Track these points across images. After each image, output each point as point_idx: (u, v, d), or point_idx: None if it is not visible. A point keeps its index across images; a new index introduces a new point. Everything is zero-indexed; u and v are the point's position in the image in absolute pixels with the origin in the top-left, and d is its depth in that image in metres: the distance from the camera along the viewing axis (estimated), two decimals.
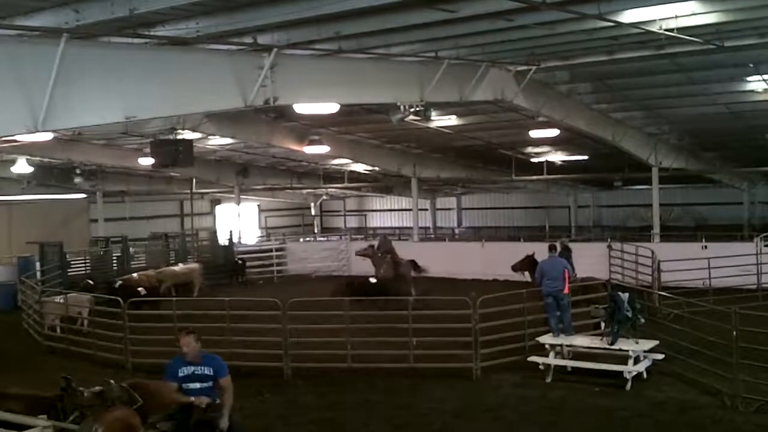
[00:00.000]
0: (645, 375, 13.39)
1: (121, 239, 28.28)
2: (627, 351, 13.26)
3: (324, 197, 47.97)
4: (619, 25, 13.17)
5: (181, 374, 8.40)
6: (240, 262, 29.84)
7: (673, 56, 16.46)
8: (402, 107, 17.40)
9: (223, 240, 32.28)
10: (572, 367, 13.86)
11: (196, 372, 8.39)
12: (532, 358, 14.09)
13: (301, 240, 37.98)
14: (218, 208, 43.09)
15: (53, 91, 10.05)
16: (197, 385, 8.37)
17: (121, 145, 28.54)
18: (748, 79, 19.33)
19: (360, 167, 35.40)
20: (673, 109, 23.63)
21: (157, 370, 13.11)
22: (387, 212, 49.36)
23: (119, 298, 16.77)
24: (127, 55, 11.66)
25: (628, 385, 12.92)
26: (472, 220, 46.78)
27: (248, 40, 12.71)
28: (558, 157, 32.33)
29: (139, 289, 21.07)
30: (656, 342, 13.79)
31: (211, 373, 8.40)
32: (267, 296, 17.99)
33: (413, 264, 23.50)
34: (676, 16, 13.01)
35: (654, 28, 13.37)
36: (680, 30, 13.34)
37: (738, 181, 36.81)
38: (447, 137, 27.50)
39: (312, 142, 26.32)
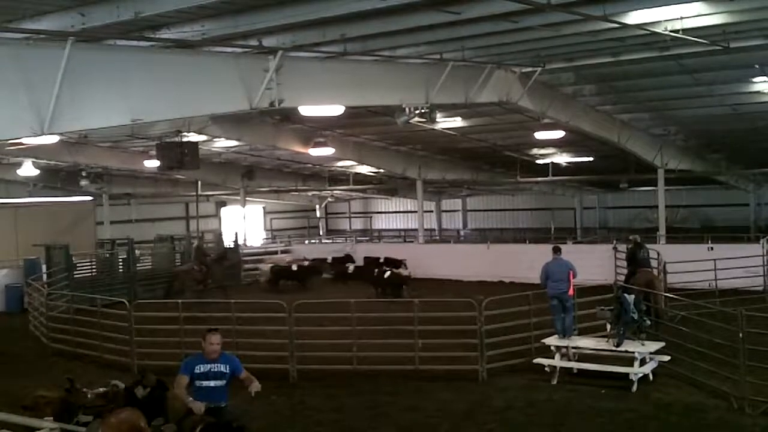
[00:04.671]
0: (651, 377, 13.35)
1: (127, 241, 28.33)
2: (633, 353, 13.24)
3: (329, 199, 48.00)
4: (625, 26, 13.17)
5: (197, 371, 8.34)
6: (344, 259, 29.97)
7: (679, 57, 16.45)
8: (407, 109, 17.42)
9: (228, 242, 32.30)
10: (578, 369, 13.83)
11: (212, 369, 8.34)
12: (538, 360, 14.07)
13: (307, 242, 37.99)
14: (224, 211, 43.15)
15: (59, 93, 10.09)
16: (211, 384, 8.32)
17: (127, 148, 28.63)
18: (754, 80, 19.30)
19: (365, 169, 35.43)
20: (678, 110, 23.60)
21: (163, 372, 13.16)
22: (392, 214, 49.37)
23: None
24: (133, 58, 11.70)
25: (634, 387, 12.89)
26: (477, 221, 46.75)
27: (253, 42, 12.74)
28: (563, 158, 32.30)
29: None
30: (662, 344, 13.77)
31: (228, 371, 8.41)
32: (272, 298, 18.00)
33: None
34: (682, 18, 13.01)
35: (659, 30, 13.36)
36: (686, 31, 13.33)
37: (744, 183, 36.71)
38: (452, 139, 27.50)
39: (317, 144, 26.35)
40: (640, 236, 20.28)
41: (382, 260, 27.68)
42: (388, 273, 24.15)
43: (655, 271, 20.18)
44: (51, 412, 9.25)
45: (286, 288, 26.63)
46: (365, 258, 29.33)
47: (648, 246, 20.94)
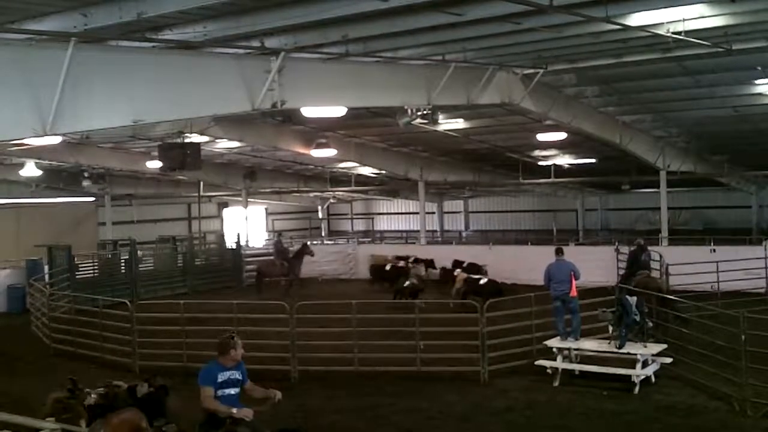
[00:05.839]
0: (653, 379, 13.34)
1: (129, 242, 28.37)
2: (635, 355, 13.23)
3: (331, 200, 48.01)
4: (627, 28, 13.16)
5: (219, 379, 7.96)
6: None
7: (681, 59, 16.45)
8: (409, 110, 17.43)
9: (230, 243, 32.33)
10: (580, 371, 13.83)
11: (231, 377, 8.04)
12: (540, 362, 14.06)
13: (309, 243, 37.93)
14: (226, 212, 43.17)
15: (62, 94, 10.10)
16: (232, 391, 8.02)
17: (129, 149, 28.65)
18: (756, 82, 19.27)
19: (367, 170, 35.43)
20: (680, 112, 23.59)
21: (165, 373, 13.14)
22: (394, 215, 49.37)
23: None
24: (135, 59, 11.71)
25: (636, 389, 12.88)
26: (479, 223, 46.74)
27: (255, 43, 12.74)
28: (565, 160, 32.29)
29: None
30: (664, 346, 13.76)
31: (242, 378, 8.14)
32: (274, 299, 18.00)
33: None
34: (684, 19, 12.99)
35: (661, 31, 13.34)
36: (688, 33, 13.31)
37: (746, 185, 36.69)
38: (454, 140, 27.50)
39: (319, 146, 26.37)
40: (643, 239, 20.38)
41: (465, 265, 25.24)
42: (484, 280, 21.90)
43: (657, 273, 20.25)
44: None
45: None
46: (454, 262, 26.31)
47: (650, 248, 21.02)
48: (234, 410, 7.76)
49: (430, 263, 27.74)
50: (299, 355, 14.82)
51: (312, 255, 28.17)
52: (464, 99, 17.31)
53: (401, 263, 26.86)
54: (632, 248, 20.27)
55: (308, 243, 29.62)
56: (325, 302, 18.33)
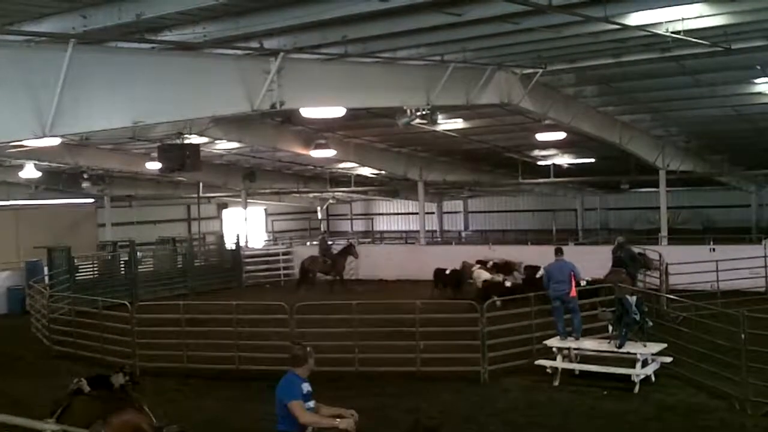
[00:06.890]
0: (653, 378, 13.35)
1: (128, 243, 28.36)
2: (635, 354, 13.23)
3: (331, 201, 47.99)
4: (626, 27, 13.17)
5: (304, 391, 7.27)
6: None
7: (680, 59, 16.44)
8: (408, 111, 17.41)
9: (229, 244, 32.34)
10: (580, 371, 13.83)
11: (309, 389, 7.38)
12: (540, 362, 14.07)
13: (308, 244, 37.94)
14: (225, 212, 43.16)
15: (61, 96, 10.09)
16: (312, 404, 7.33)
17: (129, 150, 28.63)
18: (756, 81, 19.28)
19: (366, 171, 35.42)
20: (680, 111, 23.58)
21: (165, 374, 13.18)
22: (394, 216, 49.35)
23: None
24: (135, 60, 11.72)
25: (636, 389, 12.89)
26: (478, 223, 46.71)
27: (255, 44, 12.75)
28: (565, 160, 32.29)
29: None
30: (664, 345, 13.76)
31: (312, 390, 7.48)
32: (274, 300, 18.00)
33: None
34: (683, 19, 12.99)
35: (660, 31, 13.35)
36: (687, 32, 13.31)
37: (746, 184, 36.69)
38: (453, 140, 27.50)
39: (318, 146, 26.36)
40: (624, 237, 20.83)
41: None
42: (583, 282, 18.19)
43: (656, 273, 20.32)
44: None
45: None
46: (526, 268, 24.27)
47: (650, 247, 21.05)
48: (337, 421, 7.08)
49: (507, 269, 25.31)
50: None
51: (356, 257, 28.18)
52: (463, 99, 17.31)
53: (475, 267, 24.72)
54: (613, 246, 20.54)
55: (354, 243, 29.58)
56: (325, 303, 18.34)
